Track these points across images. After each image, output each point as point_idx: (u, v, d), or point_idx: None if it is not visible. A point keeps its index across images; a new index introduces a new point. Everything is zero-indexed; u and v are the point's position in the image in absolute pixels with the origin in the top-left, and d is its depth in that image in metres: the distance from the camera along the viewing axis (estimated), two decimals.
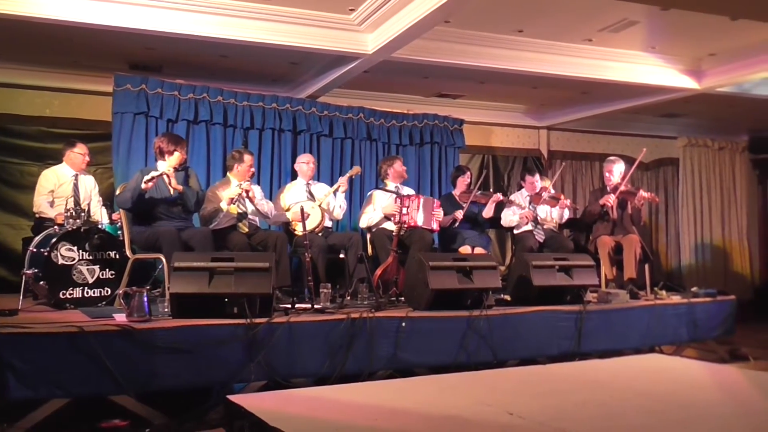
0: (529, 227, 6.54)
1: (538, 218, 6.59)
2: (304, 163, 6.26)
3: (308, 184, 6.23)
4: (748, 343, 6.50)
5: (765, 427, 3.11)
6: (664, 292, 6.12)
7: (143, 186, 5.00)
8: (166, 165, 5.24)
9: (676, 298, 5.97)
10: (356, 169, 6.35)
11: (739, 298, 6.52)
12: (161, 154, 5.31)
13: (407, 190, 6.51)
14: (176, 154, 5.27)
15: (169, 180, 5.15)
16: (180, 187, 5.24)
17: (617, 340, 5.40)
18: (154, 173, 5.07)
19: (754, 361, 6.00)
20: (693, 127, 10.16)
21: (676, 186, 10.28)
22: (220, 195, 5.55)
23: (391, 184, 6.43)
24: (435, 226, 6.08)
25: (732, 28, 6.22)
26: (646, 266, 6.26)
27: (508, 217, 6.68)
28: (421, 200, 6.01)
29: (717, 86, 7.46)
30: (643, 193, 6.28)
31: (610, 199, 6.27)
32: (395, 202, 5.95)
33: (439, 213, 6.18)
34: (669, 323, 5.68)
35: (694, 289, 6.24)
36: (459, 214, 6.46)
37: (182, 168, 5.41)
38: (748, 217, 10.60)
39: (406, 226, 5.82)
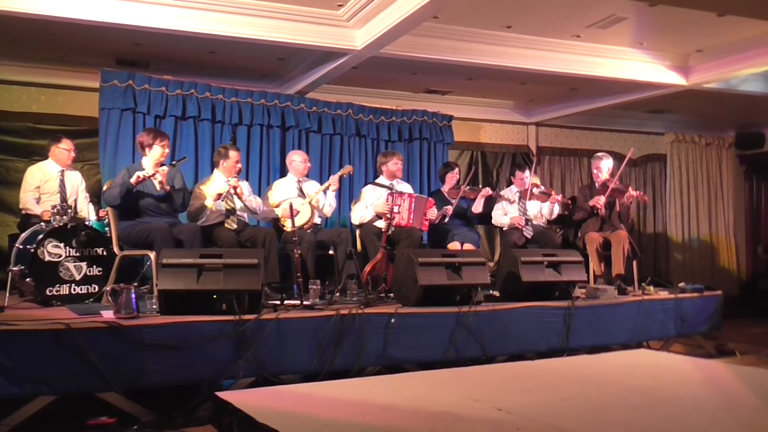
0: None
1: (528, 216, 6.59)
2: (300, 161, 6.22)
3: (299, 181, 6.22)
4: (734, 338, 6.55)
5: (751, 422, 3.13)
6: (651, 288, 6.15)
7: (133, 181, 4.99)
8: (150, 161, 5.23)
9: (663, 294, 6.00)
10: (348, 168, 6.33)
11: (726, 293, 6.55)
12: (142, 148, 5.31)
13: (404, 186, 6.51)
14: (156, 147, 5.25)
15: (161, 179, 5.13)
16: (168, 188, 5.22)
17: (605, 336, 5.42)
18: (144, 173, 5.05)
19: (741, 356, 6.04)
20: (680, 124, 10.21)
21: (663, 182, 10.33)
22: (205, 192, 5.52)
23: (384, 180, 6.43)
24: (425, 226, 6.08)
25: (719, 24, 6.25)
26: (634, 262, 6.29)
27: (499, 218, 6.69)
28: (414, 200, 6.01)
29: (704, 82, 7.49)
30: (632, 192, 6.30)
31: (600, 201, 6.28)
32: (387, 200, 5.95)
33: (432, 212, 6.18)
34: (656, 319, 5.71)
35: (681, 284, 6.28)
36: (448, 210, 6.47)
37: (177, 161, 5.41)
38: (735, 213, 10.66)
39: (394, 225, 5.81)
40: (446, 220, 6.46)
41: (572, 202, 6.94)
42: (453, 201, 6.55)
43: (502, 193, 6.85)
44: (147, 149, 5.27)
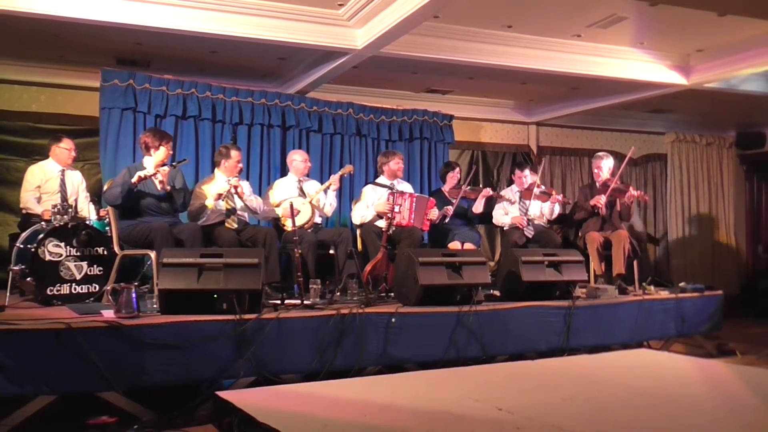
0: None
1: (529, 215, 6.59)
2: (300, 161, 6.22)
3: (300, 180, 6.22)
4: (734, 338, 6.54)
5: (751, 422, 3.13)
6: (652, 288, 6.15)
7: (134, 180, 5.00)
8: (153, 162, 5.23)
9: (664, 294, 6.00)
10: (349, 167, 6.32)
11: (727, 293, 6.55)
12: (147, 149, 5.29)
13: (404, 185, 6.52)
14: (162, 149, 5.26)
15: (162, 179, 5.14)
16: (169, 188, 5.23)
17: (606, 336, 5.42)
18: (145, 173, 5.05)
19: (741, 356, 6.04)
20: (681, 123, 10.21)
21: (664, 181, 10.33)
22: (206, 191, 5.52)
23: (385, 180, 6.43)
24: (425, 226, 6.09)
25: (720, 23, 6.25)
26: (635, 262, 6.29)
27: (500, 218, 6.69)
28: (414, 199, 6.02)
29: (705, 82, 7.49)
30: (633, 192, 6.29)
31: (601, 200, 6.28)
32: (388, 199, 5.95)
33: (434, 213, 6.18)
34: (657, 318, 5.71)
35: (681, 284, 6.27)
36: (449, 210, 6.47)
37: (178, 163, 5.42)
38: (736, 213, 10.66)
39: (395, 224, 5.81)
40: (446, 220, 6.46)
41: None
42: (454, 201, 6.55)
43: (502, 193, 6.85)
44: (153, 150, 5.26)
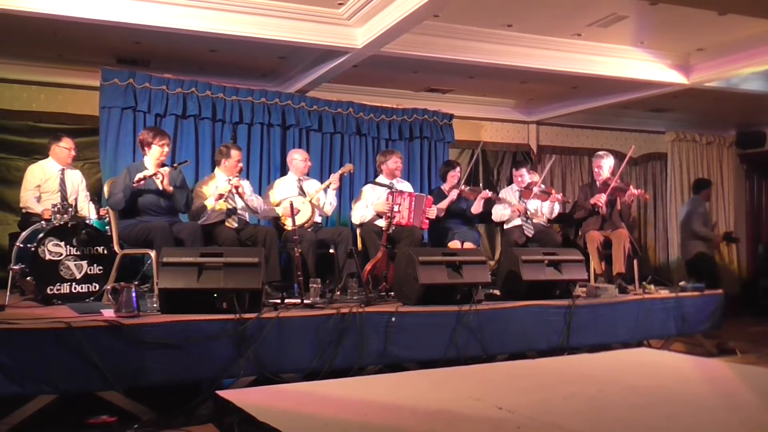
0: (518, 221, 6.55)
1: (528, 212, 6.60)
2: (300, 160, 6.22)
3: (300, 179, 6.22)
4: (735, 337, 6.55)
5: (751, 420, 3.13)
6: (652, 287, 6.15)
7: (134, 183, 5.00)
8: (151, 161, 5.22)
9: (664, 293, 5.99)
10: (349, 166, 6.32)
11: (727, 292, 6.55)
12: (143, 147, 5.30)
13: (403, 184, 6.51)
14: (155, 147, 5.25)
15: (162, 179, 5.13)
16: (170, 189, 5.22)
17: (606, 335, 5.41)
18: (146, 173, 5.05)
19: (741, 354, 6.04)
20: (681, 122, 10.21)
21: (664, 181, 10.33)
22: (206, 191, 5.52)
23: (385, 179, 6.43)
24: (425, 224, 6.09)
25: (720, 23, 6.25)
26: (635, 261, 6.29)
27: (501, 212, 6.69)
28: (413, 198, 6.03)
29: (705, 81, 7.48)
30: (633, 191, 6.29)
31: (601, 199, 6.28)
32: (387, 199, 5.95)
33: (432, 211, 6.18)
34: (657, 317, 5.71)
35: (682, 283, 6.27)
36: (443, 204, 6.44)
37: (179, 164, 5.42)
38: (736, 212, 10.66)
39: (394, 224, 5.82)
40: (442, 214, 6.45)
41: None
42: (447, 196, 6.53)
43: (502, 193, 6.85)
44: (146, 148, 5.27)
